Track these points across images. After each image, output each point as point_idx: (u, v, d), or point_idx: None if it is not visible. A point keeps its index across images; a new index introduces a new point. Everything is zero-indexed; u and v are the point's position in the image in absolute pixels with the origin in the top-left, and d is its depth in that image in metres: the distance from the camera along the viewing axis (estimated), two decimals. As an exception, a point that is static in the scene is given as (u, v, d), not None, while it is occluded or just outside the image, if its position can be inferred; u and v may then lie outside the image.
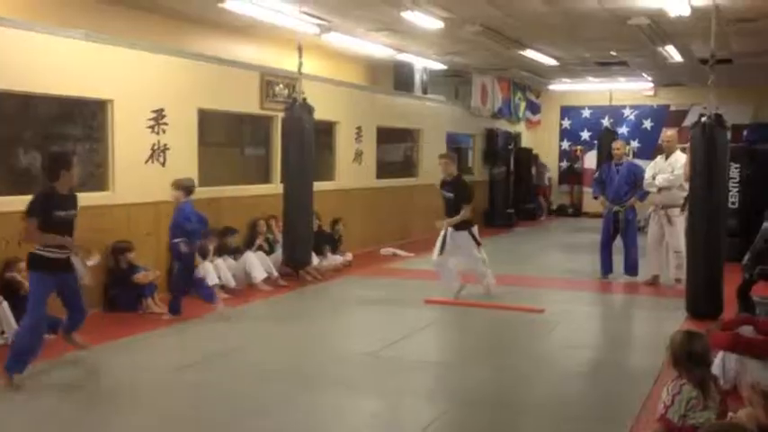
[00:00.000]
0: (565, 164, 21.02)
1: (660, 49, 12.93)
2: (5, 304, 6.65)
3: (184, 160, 9.19)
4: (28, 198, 5.81)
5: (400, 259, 12.51)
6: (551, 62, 15.00)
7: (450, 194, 9.03)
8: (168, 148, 8.91)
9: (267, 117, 10.94)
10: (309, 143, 9.73)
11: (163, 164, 8.87)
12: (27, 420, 4.96)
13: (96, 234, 7.81)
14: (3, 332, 6.64)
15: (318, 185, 10.36)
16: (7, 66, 7.16)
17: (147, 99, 8.66)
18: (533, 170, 20.25)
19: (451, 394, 5.59)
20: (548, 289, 9.95)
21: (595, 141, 19.42)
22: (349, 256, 11.48)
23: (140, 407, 5.26)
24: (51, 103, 8.26)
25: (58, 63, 7.66)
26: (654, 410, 4.12)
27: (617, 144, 10.75)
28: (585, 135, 20.76)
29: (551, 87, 20.13)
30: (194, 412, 5.16)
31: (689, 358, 4.02)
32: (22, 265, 6.91)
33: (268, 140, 11.13)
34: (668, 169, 9.59)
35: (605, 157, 13.13)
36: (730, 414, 3.99)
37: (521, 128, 20.50)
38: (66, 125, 8.74)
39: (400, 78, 15.06)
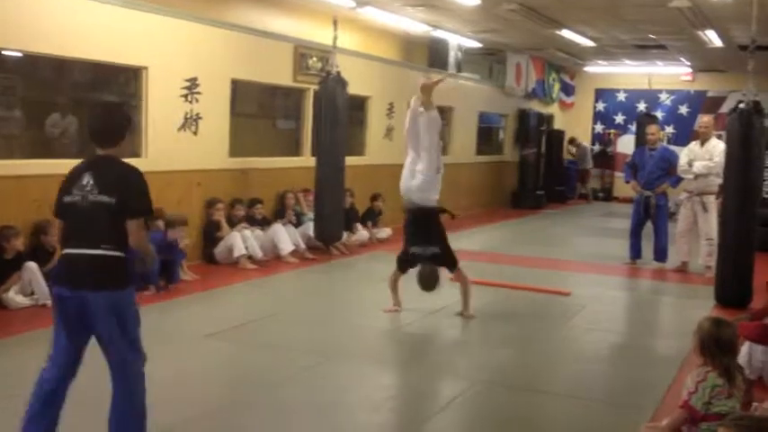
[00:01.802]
0: (597, 147, 20.80)
1: (700, 33, 12.71)
2: (34, 266, 6.76)
3: (216, 130, 9.24)
4: (61, 162, 5.49)
5: (428, 237, 12.46)
6: (588, 43, 14.81)
7: None
8: (201, 117, 8.96)
9: (300, 90, 10.94)
10: (343, 117, 9.72)
11: (195, 132, 8.92)
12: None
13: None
14: (33, 293, 6.76)
15: (349, 160, 10.36)
16: (44, 29, 7.22)
17: (181, 67, 8.70)
18: (575, 152, 20.08)
19: (474, 373, 5.59)
20: (575, 272, 9.89)
21: (630, 126, 19.24)
22: (388, 231, 11.56)
23: (163, 370, 5.32)
24: (86, 69, 8.33)
25: (95, 28, 7.70)
26: (678, 396, 4.09)
27: (652, 129, 10.61)
28: (620, 119, 20.52)
29: (586, 69, 19.91)
30: (216, 379, 5.22)
31: (716, 345, 3.98)
32: (56, 229, 7.04)
33: (300, 113, 11.13)
34: (705, 156, 9.44)
35: (643, 141, 12.96)
36: (755, 404, 3.95)
37: (554, 109, 20.31)
38: (100, 91, 8.82)
39: (434, 55, 14.94)
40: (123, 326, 3.56)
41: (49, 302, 6.67)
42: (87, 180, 3.60)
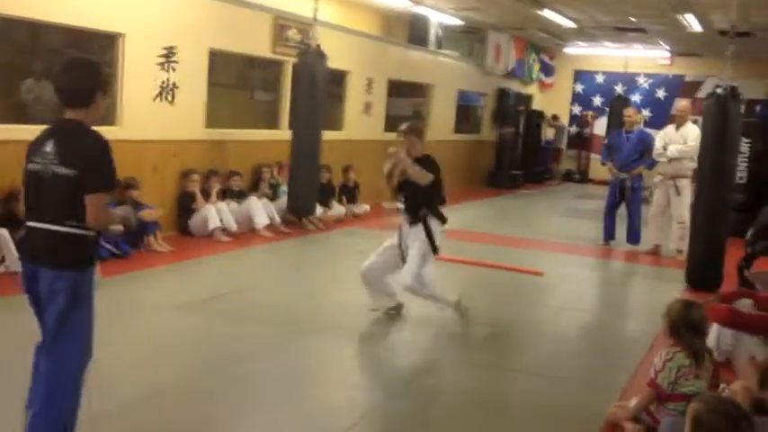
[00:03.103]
0: (574, 129, 20.87)
1: (680, 17, 12.74)
2: (5, 232, 6.67)
3: (193, 100, 9.13)
4: (35, 128, 5.31)
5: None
6: (569, 24, 14.80)
7: None
8: (177, 87, 8.84)
9: (278, 62, 10.83)
10: (320, 91, 9.66)
11: (171, 102, 8.81)
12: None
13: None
14: (3, 259, 6.68)
15: (326, 135, 10.31)
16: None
17: (158, 35, 8.57)
18: (553, 132, 20.15)
19: (444, 350, 5.64)
20: (548, 252, 9.96)
21: (607, 108, 19.31)
22: (366, 207, 11.55)
23: (134, 343, 5.30)
24: (62, 34, 8.18)
25: (71, -7, 7.57)
26: (647, 376, 4.15)
27: (629, 111, 10.67)
28: (597, 101, 20.59)
29: (566, 50, 19.92)
30: (186, 351, 5.20)
31: (685, 327, 4.03)
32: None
33: (278, 86, 11.04)
34: (680, 140, 9.51)
35: (616, 124, 13.02)
36: (722, 385, 4.01)
37: (533, 90, 20.34)
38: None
39: (415, 32, 14.86)
40: (72, 310, 3.25)
41: (20, 270, 6.63)
42: (50, 148, 3.25)
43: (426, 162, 5.97)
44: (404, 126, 6.14)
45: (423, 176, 5.79)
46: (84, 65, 3.40)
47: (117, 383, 4.17)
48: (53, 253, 3.24)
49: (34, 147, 3.33)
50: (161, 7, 8.60)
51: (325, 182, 10.71)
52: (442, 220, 6.03)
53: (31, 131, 6.71)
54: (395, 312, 6.23)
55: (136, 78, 8.32)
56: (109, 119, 8.26)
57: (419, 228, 5.90)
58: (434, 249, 5.94)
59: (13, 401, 3.46)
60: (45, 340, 3.31)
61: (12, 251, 6.63)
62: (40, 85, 8.28)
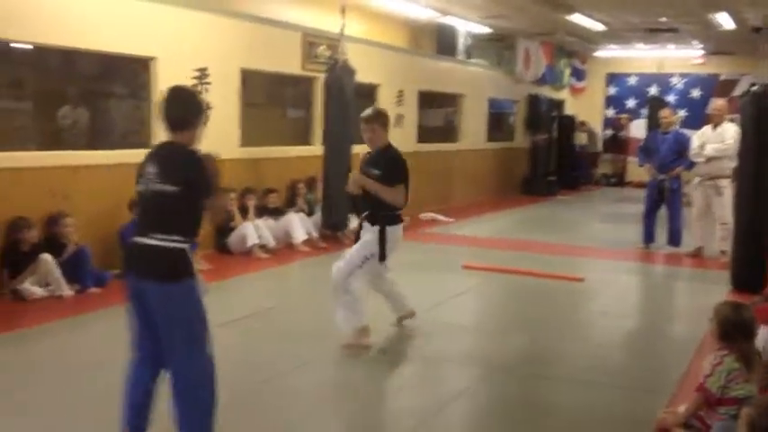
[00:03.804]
0: (609, 132, 20.67)
1: (712, 15, 12.58)
2: (48, 257, 6.77)
3: (227, 119, 9.22)
4: (73, 154, 5.49)
5: (439, 224, 12.47)
6: (599, 27, 14.70)
7: (376, 171, 5.57)
8: (211, 108, 8.89)
9: (309, 78, 10.91)
10: (351, 105, 9.69)
11: (205, 123, 8.87)
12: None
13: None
14: (48, 284, 6.79)
15: (358, 148, 10.32)
16: (53, 20, 7.21)
17: (190, 57, 8.68)
18: (586, 137, 20.01)
19: (487, 361, 5.57)
20: (588, 258, 9.85)
21: (642, 110, 19.14)
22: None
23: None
24: (96, 60, 8.32)
25: (104, 19, 7.69)
26: (695, 381, 4.07)
27: (665, 112, 10.54)
28: (631, 103, 20.38)
29: (597, 54, 19.78)
30: (227, 368, 5.21)
31: (734, 330, 3.96)
32: (69, 220, 7.07)
33: (309, 102, 11.11)
34: (717, 139, 9.36)
35: (654, 125, 12.87)
36: (774, 388, 3.92)
37: (565, 95, 20.21)
38: (110, 82, 8.82)
39: (443, 42, 14.86)
40: (181, 316, 3.51)
41: (65, 293, 6.75)
42: (152, 168, 3.52)
43: (387, 156, 5.51)
44: (367, 113, 5.57)
45: (382, 190, 5.41)
46: (188, 94, 3.82)
47: (160, 401, 4.19)
48: (153, 265, 3.46)
49: (140, 169, 3.59)
50: (192, 30, 8.71)
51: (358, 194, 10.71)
52: (396, 221, 5.58)
53: (68, 157, 6.89)
54: (407, 319, 6.17)
55: (170, 101, 8.41)
56: (144, 141, 8.37)
57: (373, 230, 5.47)
58: (382, 256, 5.50)
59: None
60: (165, 350, 3.49)
61: (56, 275, 6.75)
62: (76, 112, 8.43)
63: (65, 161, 7.39)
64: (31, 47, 7.57)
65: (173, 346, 3.48)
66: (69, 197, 7.28)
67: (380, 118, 5.55)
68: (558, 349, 6.01)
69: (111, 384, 4.03)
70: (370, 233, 5.48)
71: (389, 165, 5.45)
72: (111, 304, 6.41)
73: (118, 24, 7.83)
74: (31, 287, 6.66)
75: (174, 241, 3.44)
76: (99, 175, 7.53)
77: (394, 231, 5.49)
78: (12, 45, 7.46)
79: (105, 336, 5.87)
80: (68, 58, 8.12)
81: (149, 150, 3.68)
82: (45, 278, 6.77)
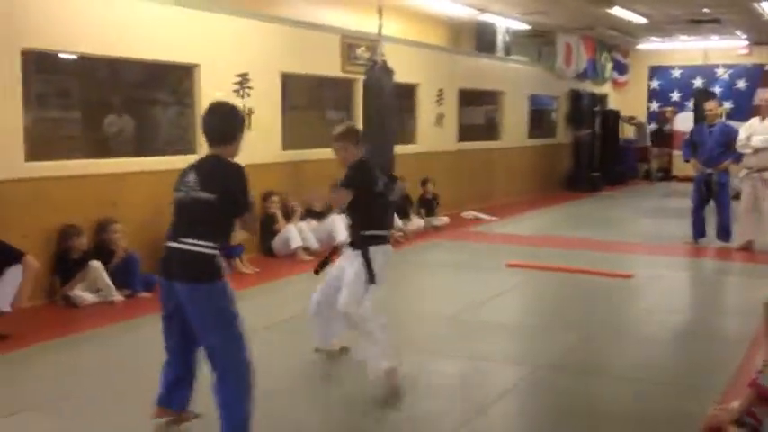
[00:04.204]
0: (653, 126, 20.36)
1: (755, 4, 12.33)
2: (98, 264, 6.90)
3: (269, 123, 9.31)
4: (120, 161, 5.54)
5: (482, 223, 12.43)
6: (640, 20, 14.51)
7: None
8: (253, 112, 9.03)
9: (348, 80, 10.95)
10: (391, 106, 9.70)
11: (248, 127, 8.96)
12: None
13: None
14: (98, 290, 6.92)
15: (399, 149, 10.34)
16: (98, 31, 7.35)
17: (231, 63, 8.78)
18: (634, 131, 19.73)
19: (534, 358, 5.53)
20: (636, 254, 9.73)
21: (686, 103, 18.84)
22: (445, 219, 11.57)
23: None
24: (140, 69, 8.46)
25: (147, 28, 7.82)
26: (747, 377, 3.99)
27: (710, 105, 10.36)
28: (676, 96, 20.06)
29: (639, 47, 19.53)
30: (271, 371, 5.25)
31: (786, 324, 3.87)
32: (117, 226, 7.21)
33: (349, 104, 11.16)
34: (765, 131, 9.17)
35: (700, 118, 12.65)
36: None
37: (607, 89, 19.96)
38: (154, 90, 8.96)
39: (482, 39, 14.79)
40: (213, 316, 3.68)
41: (115, 298, 6.88)
42: (191, 177, 3.69)
43: (351, 166, 4.98)
44: (337, 131, 5.12)
45: (340, 199, 4.97)
46: (228, 109, 3.93)
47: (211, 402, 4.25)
48: (185, 269, 3.64)
49: (180, 177, 3.78)
50: (233, 36, 8.81)
51: (401, 194, 10.75)
52: (379, 241, 4.93)
53: (114, 165, 7.00)
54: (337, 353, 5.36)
55: (212, 106, 8.52)
56: (188, 147, 8.49)
57: (357, 252, 4.92)
58: (371, 278, 4.88)
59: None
60: (204, 346, 3.72)
61: (106, 281, 6.88)
62: (122, 120, 8.57)
63: (112, 169, 7.54)
64: (77, 57, 7.73)
65: (209, 342, 3.67)
66: (117, 204, 7.41)
67: (351, 135, 5.10)
68: (606, 347, 5.95)
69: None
70: (356, 257, 4.92)
71: (348, 171, 4.99)
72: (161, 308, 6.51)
73: (161, 33, 7.95)
74: (82, 293, 6.79)
75: (204, 246, 3.63)
76: (145, 181, 7.66)
77: (377, 252, 4.88)
78: (59, 56, 7.62)
79: (155, 339, 5.95)
80: (113, 68, 8.27)
81: (192, 162, 3.83)
82: (95, 284, 6.91)
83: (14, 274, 5.89)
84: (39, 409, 4.40)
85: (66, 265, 6.89)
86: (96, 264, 6.89)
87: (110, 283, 6.90)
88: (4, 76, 6.57)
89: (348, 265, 4.95)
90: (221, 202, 3.63)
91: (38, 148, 7.05)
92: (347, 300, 4.85)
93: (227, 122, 3.80)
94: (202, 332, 3.68)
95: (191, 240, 3.63)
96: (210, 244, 3.65)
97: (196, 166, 3.75)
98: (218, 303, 3.66)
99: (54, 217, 6.97)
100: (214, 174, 3.67)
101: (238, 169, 3.72)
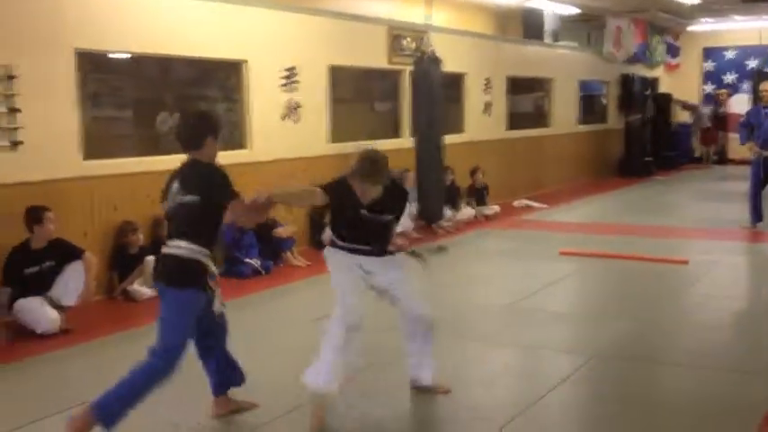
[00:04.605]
0: (708, 109, 19.90)
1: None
2: (153, 259, 7.02)
3: (316, 116, 9.36)
4: (172, 158, 5.58)
5: (534, 211, 12.32)
6: (692, 1, 14.17)
7: (387, 217, 4.45)
8: (301, 106, 9.08)
9: (395, 71, 10.94)
10: (438, 96, 9.67)
11: (296, 121, 9.06)
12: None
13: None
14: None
15: (447, 138, 10.30)
16: (148, 30, 7.47)
17: (279, 58, 8.84)
18: (689, 115, 19.33)
19: (590, 347, 5.47)
20: (691, 239, 9.54)
21: (741, 84, 18.40)
22: (495, 208, 11.51)
23: (273, 353, 5.43)
24: (189, 66, 8.57)
25: (195, 26, 7.91)
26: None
27: (766, 86, 10.08)
28: (730, 78, 19.58)
29: (692, 28, 19.08)
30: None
31: None
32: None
33: (397, 95, 11.15)
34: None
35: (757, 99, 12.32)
36: None
37: (659, 72, 19.58)
38: (203, 87, 9.06)
39: (530, 26, 14.63)
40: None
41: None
42: (175, 183, 3.87)
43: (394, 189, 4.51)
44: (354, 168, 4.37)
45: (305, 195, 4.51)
46: (194, 116, 4.23)
47: (271, 394, 4.30)
48: (169, 272, 3.84)
49: (165, 186, 3.95)
50: (280, 31, 8.87)
51: (449, 184, 10.72)
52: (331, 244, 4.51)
53: (166, 162, 7.06)
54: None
55: (261, 101, 8.60)
56: (238, 143, 8.58)
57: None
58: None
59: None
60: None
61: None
62: (174, 118, 8.69)
63: (164, 165, 7.56)
64: (128, 56, 7.86)
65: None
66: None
67: (364, 175, 4.29)
68: (664, 334, 5.86)
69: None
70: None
71: (397, 200, 4.54)
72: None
73: (209, 30, 8.04)
74: (140, 288, 6.93)
75: (190, 250, 3.77)
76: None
77: (327, 255, 4.49)
78: (111, 56, 7.76)
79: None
80: (164, 66, 8.39)
81: (173, 170, 3.97)
82: (151, 279, 7.02)
83: (75, 270, 6.04)
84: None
85: (123, 261, 7.04)
86: (152, 259, 7.00)
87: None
88: (60, 78, 6.72)
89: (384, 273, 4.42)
90: (204, 203, 3.76)
91: (94, 146, 7.20)
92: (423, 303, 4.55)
93: (193, 128, 3.95)
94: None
95: (176, 242, 3.80)
96: (196, 247, 3.78)
97: (178, 173, 3.91)
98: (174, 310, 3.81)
99: (111, 214, 7.12)
100: (192, 176, 3.83)
101: (211, 167, 3.87)
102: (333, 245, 4.48)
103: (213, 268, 3.91)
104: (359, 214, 4.27)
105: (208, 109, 7.87)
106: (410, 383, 4.57)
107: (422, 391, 4.52)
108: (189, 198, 3.78)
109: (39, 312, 5.82)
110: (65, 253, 6.08)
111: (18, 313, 5.88)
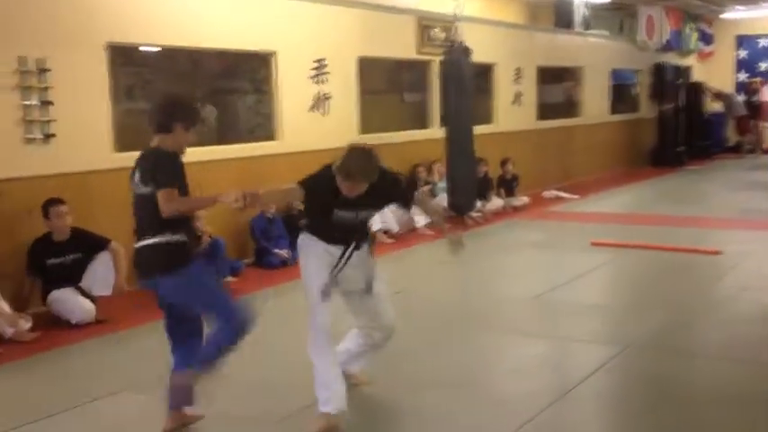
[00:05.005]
0: (742, 97, 19.58)
1: None
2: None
3: (346, 108, 9.36)
4: (204, 150, 5.45)
5: (564, 201, 12.23)
6: (726, -13, 13.95)
7: (364, 213, 4.18)
8: (330, 97, 9.09)
9: (424, 62, 10.91)
10: (468, 86, 9.63)
11: (325, 112, 9.07)
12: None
13: (266, 183, 8.15)
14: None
15: (478, 129, 10.26)
16: (177, 23, 7.51)
17: (308, 49, 8.85)
18: (723, 105, 19.02)
19: (622, 339, 5.42)
20: (724, 230, 9.40)
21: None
22: (525, 199, 11.46)
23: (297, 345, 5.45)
24: (219, 58, 8.61)
25: (225, 18, 7.95)
26: None
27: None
28: (763, 66, 19.24)
29: (725, 16, 18.77)
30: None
31: None
32: (201, 213, 7.36)
33: (426, 85, 11.11)
34: None
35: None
36: None
37: (692, 61, 19.30)
38: (233, 79, 9.10)
39: (560, 15, 14.47)
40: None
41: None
42: (136, 174, 3.79)
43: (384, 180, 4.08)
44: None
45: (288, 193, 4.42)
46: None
47: (300, 383, 4.32)
48: (148, 264, 3.79)
49: (131, 178, 3.85)
50: (309, 22, 8.87)
51: (482, 175, 10.69)
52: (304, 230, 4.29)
53: (197, 153, 7.09)
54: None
55: (290, 93, 8.62)
56: (268, 134, 8.62)
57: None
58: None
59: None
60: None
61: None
62: (205, 110, 8.74)
63: (195, 157, 7.57)
64: (158, 49, 7.92)
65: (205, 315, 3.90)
66: (201, 191, 7.57)
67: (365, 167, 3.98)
68: (697, 326, 5.79)
69: (248, 365, 4.19)
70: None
71: (392, 186, 4.27)
72: (247, 292, 6.67)
73: (240, 22, 8.07)
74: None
75: (165, 237, 3.70)
76: (228, 168, 7.80)
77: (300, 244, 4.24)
78: (141, 49, 7.82)
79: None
80: (194, 58, 8.44)
81: (137, 157, 3.86)
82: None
83: (103, 261, 6.11)
84: (137, 389, 4.57)
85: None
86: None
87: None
88: (92, 71, 6.80)
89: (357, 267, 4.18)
90: (154, 191, 3.66)
91: (124, 139, 7.27)
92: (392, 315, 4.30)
93: (163, 112, 3.82)
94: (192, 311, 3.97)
95: (150, 236, 3.76)
96: (169, 234, 3.72)
97: (138, 162, 3.81)
98: (194, 285, 3.86)
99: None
100: (149, 165, 3.72)
101: (168, 155, 3.73)
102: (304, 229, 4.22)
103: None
104: (331, 216, 3.99)
105: (194, 99, 7.31)
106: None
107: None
108: (145, 189, 3.70)
109: (72, 302, 5.92)
110: (90, 244, 6.15)
111: (52, 304, 5.98)
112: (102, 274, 6.07)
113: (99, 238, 6.19)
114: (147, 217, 3.70)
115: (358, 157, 3.92)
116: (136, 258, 3.86)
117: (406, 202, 4.35)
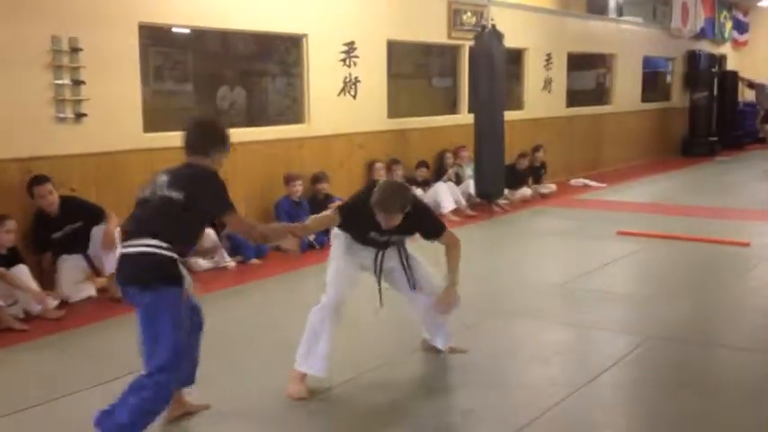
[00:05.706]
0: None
1: None
2: (212, 231, 7.14)
3: (374, 92, 9.35)
4: (232, 132, 5.30)
5: (591, 190, 12.14)
6: (763, -25, 13.70)
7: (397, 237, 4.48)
8: (359, 81, 9.09)
9: (454, 46, 10.86)
10: (500, 72, 9.57)
11: (354, 96, 9.07)
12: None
13: (294, 165, 8.19)
14: (212, 257, 7.16)
15: (507, 115, 10.20)
16: (207, 4, 7.53)
17: (339, 32, 8.84)
18: (756, 95, 18.69)
19: (645, 328, 5.39)
20: (754, 221, 9.29)
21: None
22: (552, 187, 11.40)
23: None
24: (249, 40, 8.64)
25: (256, 0, 7.96)
26: None
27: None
28: (801, 55, 18.92)
29: (761, 4, 18.45)
30: (381, 339, 5.33)
31: None
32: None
33: (455, 70, 11.06)
34: None
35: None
36: None
37: (726, 49, 19.01)
38: (263, 62, 9.14)
39: (593, 0, 14.33)
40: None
41: (230, 265, 7.12)
42: (164, 177, 3.58)
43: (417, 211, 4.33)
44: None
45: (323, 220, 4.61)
46: (208, 125, 3.93)
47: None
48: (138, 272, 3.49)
49: (151, 178, 3.65)
50: (340, 5, 8.86)
51: (523, 167, 10.68)
52: None
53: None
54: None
55: (320, 76, 8.63)
56: (297, 117, 8.64)
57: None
58: None
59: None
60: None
61: (221, 249, 7.14)
62: (234, 92, 8.80)
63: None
64: (189, 30, 7.96)
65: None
66: (228, 173, 7.59)
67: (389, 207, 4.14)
68: (723, 317, 5.74)
69: (270, 347, 4.21)
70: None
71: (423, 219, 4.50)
72: (271, 275, 6.72)
73: (271, 4, 8.07)
74: (198, 260, 7.05)
75: (164, 249, 3.45)
76: (255, 151, 7.85)
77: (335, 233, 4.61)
78: (173, 30, 7.87)
79: (264, 305, 6.17)
80: (225, 40, 8.48)
81: (165, 168, 3.71)
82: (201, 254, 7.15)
83: (101, 230, 6.11)
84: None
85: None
86: (209, 231, 7.12)
87: (222, 249, 7.14)
88: (124, 51, 6.85)
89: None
90: (187, 204, 3.48)
91: (154, 119, 7.33)
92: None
93: (202, 137, 3.71)
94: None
95: (144, 241, 3.46)
96: (167, 246, 3.45)
97: (168, 170, 3.63)
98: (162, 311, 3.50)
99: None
100: (186, 175, 3.57)
101: (211, 172, 3.63)
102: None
103: (189, 278, 3.66)
104: (366, 236, 4.37)
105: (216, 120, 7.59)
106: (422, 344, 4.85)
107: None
108: (174, 194, 3.48)
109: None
110: (86, 213, 6.19)
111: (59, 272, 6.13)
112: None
113: (93, 206, 6.26)
114: (160, 221, 3.49)
115: (393, 192, 4.14)
116: (129, 261, 3.51)
117: (437, 232, 4.53)
